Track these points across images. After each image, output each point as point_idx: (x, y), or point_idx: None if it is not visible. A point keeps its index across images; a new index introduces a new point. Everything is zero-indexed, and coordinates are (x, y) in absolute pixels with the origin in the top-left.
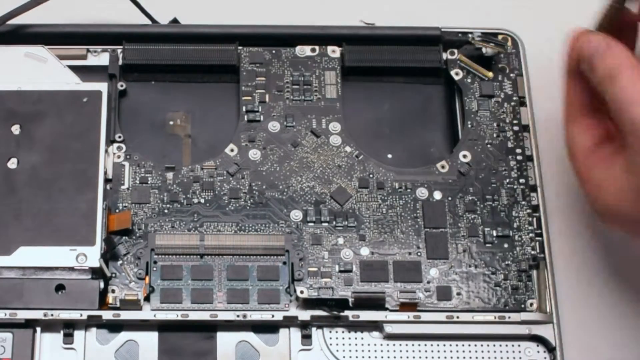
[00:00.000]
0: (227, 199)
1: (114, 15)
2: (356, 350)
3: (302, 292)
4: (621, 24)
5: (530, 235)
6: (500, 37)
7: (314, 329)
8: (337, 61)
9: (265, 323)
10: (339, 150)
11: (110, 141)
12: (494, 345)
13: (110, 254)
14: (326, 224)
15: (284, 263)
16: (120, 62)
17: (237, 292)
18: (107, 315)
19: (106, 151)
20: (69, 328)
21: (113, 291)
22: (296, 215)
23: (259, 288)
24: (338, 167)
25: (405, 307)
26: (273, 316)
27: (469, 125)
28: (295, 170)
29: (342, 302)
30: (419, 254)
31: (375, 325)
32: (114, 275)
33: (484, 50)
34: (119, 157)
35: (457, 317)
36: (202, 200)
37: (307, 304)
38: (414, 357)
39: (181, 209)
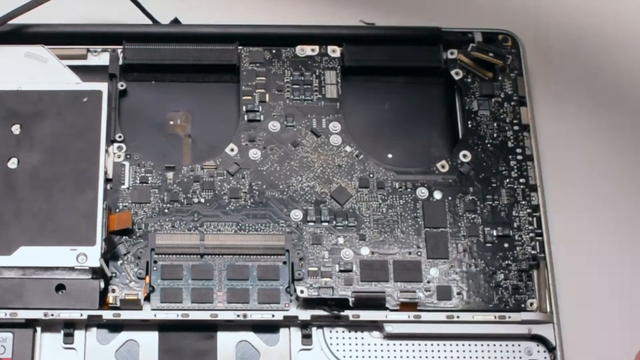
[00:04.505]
0: (227, 198)
1: (114, 15)
2: (356, 350)
3: (302, 291)
4: None
5: (531, 235)
6: (500, 37)
7: (314, 328)
8: (337, 61)
9: (266, 323)
10: (339, 149)
11: (110, 141)
12: (494, 345)
13: (110, 254)
14: (326, 224)
15: (284, 263)
16: (120, 62)
17: (237, 292)
18: (107, 315)
19: (106, 151)
20: (69, 328)
21: (113, 291)
22: (296, 214)
23: (259, 288)
24: (338, 167)
25: (405, 306)
26: (273, 316)
27: (469, 125)
28: (296, 169)
29: (342, 301)
30: (419, 253)
31: (376, 325)
32: (114, 275)
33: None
34: (119, 156)
35: (457, 317)
36: (202, 200)
37: (307, 303)
38: (414, 357)
39: (181, 208)
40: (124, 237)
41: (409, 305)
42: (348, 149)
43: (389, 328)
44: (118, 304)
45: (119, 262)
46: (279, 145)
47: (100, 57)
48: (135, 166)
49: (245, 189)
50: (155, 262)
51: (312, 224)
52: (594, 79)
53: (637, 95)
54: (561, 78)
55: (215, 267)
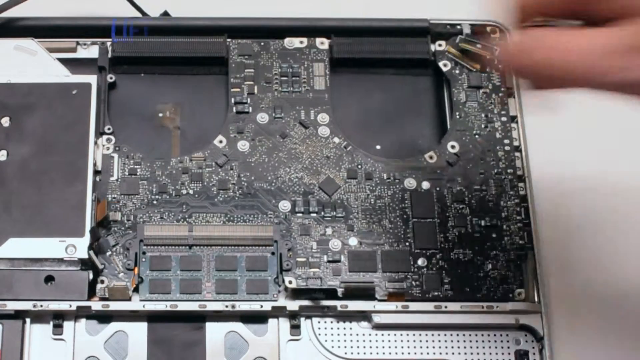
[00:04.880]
0: (215, 190)
1: (103, 8)
2: (345, 340)
3: (290, 282)
4: None
5: (518, 225)
6: (488, 28)
7: (302, 319)
8: (326, 53)
9: (254, 313)
10: (327, 141)
11: (99, 133)
12: (482, 335)
13: (96, 246)
14: (314, 215)
15: (273, 253)
16: (109, 55)
17: (226, 283)
18: (96, 306)
19: (95, 143)
20: (58, 319)
21: (102, 282)
22: (284, 205)
23: (247, 278)
24: (326, 158)
25: (393, 297)
26: (262, 306)
27: (457, 116)
28: (284, 161)
29: (331, 292)
30: (407, 243)
31: (364, 315)
32: (104, 265)
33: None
34: (108, 148)
35: (445, 307)
36: (191, 192)
37: (296, 294)
38: (402, 347)
39: (170, 200)
40: (113, 229)
41: (396, 296)
42: (336, 140)
43: (377, 318)
44: (106, 294)
45: (108, 253)
46: (267, 136)
47: (89, 50)
48: (124, 158)
49: (233, 181)
50: (144, 253)
51: (300, 214)
52: None
53: None
54: None
55: (203, 258)
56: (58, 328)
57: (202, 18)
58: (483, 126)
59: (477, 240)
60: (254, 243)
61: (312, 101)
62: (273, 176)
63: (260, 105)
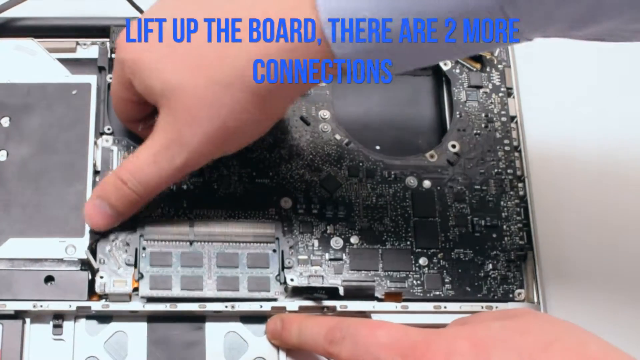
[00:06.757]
0: (217, 185)
1: (103, 8)
2: None
3: (292, 280)
4: None
5: (519, 225)
6: None
7: None
8: None
9: (254, 314)
10: (328, 138)
11: (99, 133)
12: None
13: (94, 246)
14: (316, 212)
15: (274, 250)
16: (109, 55)
17: (227, 280)
18: (96, 306)
19: (95, 143)
20: (58, 319)
21: (102, 277)
22: (286, 202)
23: (249, 275)
24: (328, 155)
25: (390, 296)
26: (261, 307)
27: (458, 116)
28: (285, 157)
29: (332, 290)
30: (408, 242)
31: (364, 316)
32: (102, 261)
33: None
34: (107, 140)
35: (445, 307)
36: (192, 187)
37: (296, 292)
38: None
39: (171, 194)
40: None
41: (393, 295)
42: (338, 137)
43: (377, 318)
44: (105, 289)
45: (108, 248)
46: (268, 133)
47: (89, 50)
48: (124, 151)
49: (235, 177)
50: (144, 248)
51: (301, 211)
52: (580, 71)
53: (625, 81)
54: (546, 71)
55: (205, 254)
56: (58, 328)
57: None
58: (483, 126)
59: (477, 240)
60: (255, 240)
61: (314, 97)
62: (274, 172)
63: None
